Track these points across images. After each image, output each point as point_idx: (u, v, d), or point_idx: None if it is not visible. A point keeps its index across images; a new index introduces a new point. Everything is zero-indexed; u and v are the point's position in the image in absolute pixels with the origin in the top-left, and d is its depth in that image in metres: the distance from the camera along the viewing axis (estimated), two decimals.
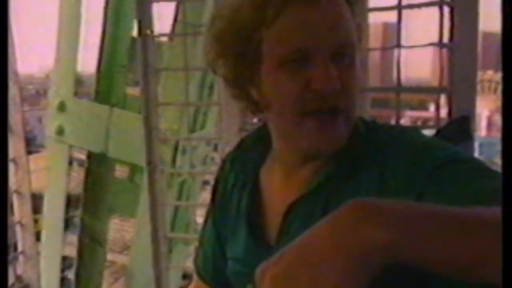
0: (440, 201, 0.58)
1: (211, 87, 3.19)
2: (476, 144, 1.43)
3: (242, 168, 0.93)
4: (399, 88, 1.64)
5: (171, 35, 3.05)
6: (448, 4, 1.52)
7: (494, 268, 0.48)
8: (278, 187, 0.86)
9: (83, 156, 3.83)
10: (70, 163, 3.76)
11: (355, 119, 0.80)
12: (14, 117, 2.58)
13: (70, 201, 3.73)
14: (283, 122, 0.79)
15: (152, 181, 1.93)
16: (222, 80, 0.85)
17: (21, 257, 2.73)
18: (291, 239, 0.54)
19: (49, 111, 3.59)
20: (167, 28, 3.06)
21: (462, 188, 0.65)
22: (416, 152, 0.73)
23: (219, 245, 0.97)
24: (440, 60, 1.59)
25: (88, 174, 3.57)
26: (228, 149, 1.19)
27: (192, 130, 3.26)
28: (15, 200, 2.66)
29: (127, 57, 3.38)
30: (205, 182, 3.51)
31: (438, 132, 1.38)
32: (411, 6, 1.60)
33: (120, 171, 3.71)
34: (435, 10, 1.56)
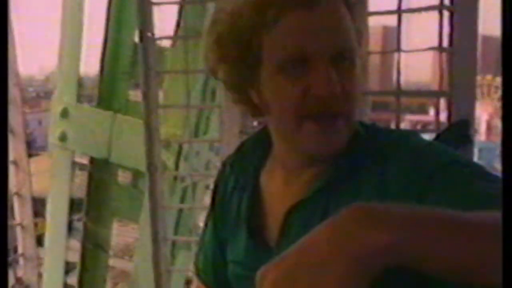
0: (440, 205, 0.59)
1: (213, 92, 3.20)
2: (476, 149, 1.43)
3: (242, 171, 0.93)
4: (399, 91, 1.64)
5: (172, 37, 3.07)
6: (448, 9, 1.52)
7: (494, 271, 0.49)
8: (278, 190, 0.87)
9: (84, 161, 3.83)
10: (73, 167, 3.76)
11: (355, 123, 0.80)
12: (15, 119, 2.59)
13: (73, 205, 3.73)
14: (283, 125, 0.80)
15: (153, 183, 1.93)
16: (222, 84, 0.86)
17: (21, 259, 2.73)
18: (291, 242, 0.54)
19: (52, 118, 3.60)
20: (169, 33, 3.07)
21: (462, 191, 0.65)
22: (416, 155, 0.73)
23: (219, 248, 0.97)
24: (440, 64, 1.59)
25: (91, 179, 3.57)
26: (228, 152, 1.19)
27: (195, 135, 3.27)
28: (15, 202, 2.66)
29: (129, 63, 3.39)
30: (208, 187, 3.51)
31: (438, 136, 1.38)
32: (411, 10, 1.61)
33: (123, 177, 3.72)
34: (434, 14, 1.57)
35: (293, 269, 0.51)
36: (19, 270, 2.72)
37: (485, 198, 0.61)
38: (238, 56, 0.78)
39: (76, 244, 3.82)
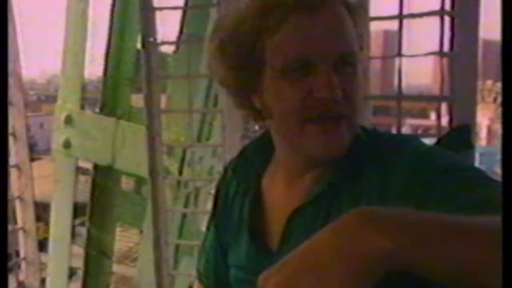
0: (441, 209, 0.59)
1: (216, 99, 3.21)
2: (477, 154, 1.43)
3: (244, 175, 0.93)
4: (400, 96, 1.65)
5: (174, 42, 3.07)
6: (449, 14, 1.53)
7: (495, 275, 0.49)
8: (280, 195, 0.87)
9: (87, 165, 3.83)
10: (76, 173, 3.77)
11: (357, 127, 0.81)
12: (18, 123, 2.59)
13: (75, 209, 3.73)
14: (286, 129, 0.80)
15: (155, 187, 1.93)
16: (224, 89, 0.86)
17: (23, 263, 2.73)
18: (293, 246, 0.54)
19: (55, 125, 3.61)
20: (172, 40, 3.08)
21: (463, 196, 0.65)
22: (416, 160, 0.73)
23: (221, 252, 0.97)
24: (441, 68, 1.60)
25: (94, 186, 3.57)
26: (230, 157, 1.20)
27: (198, 141, 3.27)
28: (18, 206, 2.66)
29: (133, 69, 3.40)
30: (211, 193, 3.50)
31: (438, 140, 1.38)
32: (412, 16, 1.61)
33: (127, 183, 3.72)
34: (436, 20, 1.58)
35: (295, 274, 0.52)
36: (21, 274, 2.72)
37: (486, 202, 0.61)
38: (241, 61, 0.79)
39: (78, 250, 3.82)
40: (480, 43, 1.49)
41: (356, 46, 0.78)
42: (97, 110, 3.66)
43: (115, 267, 3.99)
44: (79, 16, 3.46)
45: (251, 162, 0.92)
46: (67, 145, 3.51)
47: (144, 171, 1.99)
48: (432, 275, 0.51)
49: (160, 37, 1.93)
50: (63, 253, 3.64)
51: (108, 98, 3.50)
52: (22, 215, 2.68)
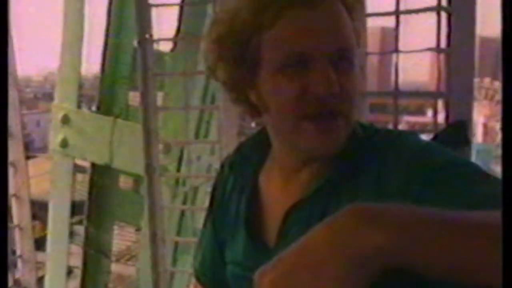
0: (438, 205, 0.59)
1: (213, 98, 3.20)
2: (473, 151, 1.43)
3: (241, 172, 0.93)
4: (397, 92, 1.65)
5: (170, 39, 3.06)
6: (446, 10, 1.53)
7: (493, 271, 0.48)
8: (277, 191, 0.87)
9: (84, 163, 3.83)
10: (73, 171, 3.76)
11: (354, 123, 0.80)
12: (13, 121, 2.58)
13: (73, 207, 3.73)
14: (282, 125, 0.80)
15: (151, 184, 1.93)
16: (220, 84, 0.86)
17: (19, 261, 2.73)
18: (290, 242, 0.54)
19: (52, 124, 3.60)
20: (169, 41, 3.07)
21: (460, 192, 0.65)
22: (413, 156, 0.73)
23: (218, 249, 0.97)
24: (438, 65, 1.60)
25: (92, 185, 3.57)
26: (226, 153, 1.19)
27: (196, 139, 3.27)
28: (13, 204, 2.65)
29: (129, 68, 3.39)
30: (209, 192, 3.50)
31: (435, 136, 1.38)
32: (409, 12, 1.61)
33: (124, 182, 3.72)
34: (432, 16, 1.57)
35: (291, 270, 0.51)
36: (17, 272, 2.72)
37: (483, 198, 0.61)
38: (237, 55, 0.78)
39: (76, 248, 3.82)
40: (477, 40, 1.49)
41: (353, 42, 0.77)
42: (94, 108, 3.66)
43: (112, 266, 3.99)
44: (76, 14, 3.45)
45: (248, 158, 0.92)
46: (64, 144, 3.51)
47: (141, 170, 1.99)
48: (429, 271, 0.51)
49: (157, 35, 1.92)
50: (61, 252, 3.64)
51: (105, 97, 3.49)
52: (18, 213, 2.67)
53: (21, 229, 2.67)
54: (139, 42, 1.85)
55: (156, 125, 1.93)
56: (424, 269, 0.51)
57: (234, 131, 1.74)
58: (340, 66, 0.75)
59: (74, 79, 3.57)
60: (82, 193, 3.81)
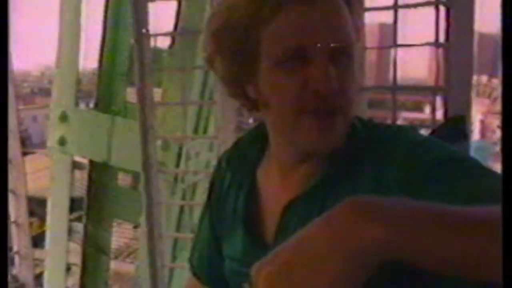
0: (436, 200, 0.58)
1: (211, 94, 3.20)
2: (471, 149, 1.43)
3: (238, 167, 0.92)
4: (395, 86, 1.64)
5: (167, 34, 3.05)
6: (444, 4, 1.52)
7: (492, 266, 0.48)
8: (275, 186, 0.86)
9: (83, 160, 3.83)
10: (72, 168, 3.76)
11: (352, 119, 0.80)
12: (9, 117, 2.57)
13: (73, 203, 3.73)
14: (281, 120, 0.79)
15: (148, 180, 1.93)
16: (218, 79, 0.85)
17: (16, 257, 2.72)
18: (288, 238, 0.54)
19: (50, 122, 3.60)
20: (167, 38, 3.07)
21: (459, 186, 0.65)
22: (412, 151, 0.73)
23: (215, 244, 0.97)
24: (436, 60, 1.59)
25: (91, 182, 3.56)
26: (224, 148, 1.19)
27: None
28: (10, 200, 2.65)
29: (127, 65, 3.38)
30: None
31: (433, 131, 1.38)
32: (407, 6, 1.60)
33: (123, 180, 3.71)
34: (431, 10, 1.57)
35: (288, 264, 0.51)
36: (14, 269, 2.72)
37: (482, 192, 0.61)
38: (235, 49, 0.78)
39: (74, 246, 3.82)
40: (475, 37, 1.48)
41: (353, 37, 0.77)
42: (91, 105, 3.65)
43: (111, 263, 4.00)
44: (73, 10, 3.44)
45: (246, 153, 0.92)
46: (62, 142, 3.50)
47: (140, 167, 1.99)
48: (427, 265, 0.51)
49: (155, 32, 1.91)
50: (60, 249, 3.64)
51: (103, 94, 3.49)
52: (14, 209, 2.67)
53: (18, 225, 2.67)
54: (135, 37, 1.84)
55: (153, 122, 1.92)
56: (422, 262, 0.51)
57: (232, 126, 1.73)
58: (339, 62, 0.75)
59: (72, 77, 3.56)
60: (81, 190, 3.81)
